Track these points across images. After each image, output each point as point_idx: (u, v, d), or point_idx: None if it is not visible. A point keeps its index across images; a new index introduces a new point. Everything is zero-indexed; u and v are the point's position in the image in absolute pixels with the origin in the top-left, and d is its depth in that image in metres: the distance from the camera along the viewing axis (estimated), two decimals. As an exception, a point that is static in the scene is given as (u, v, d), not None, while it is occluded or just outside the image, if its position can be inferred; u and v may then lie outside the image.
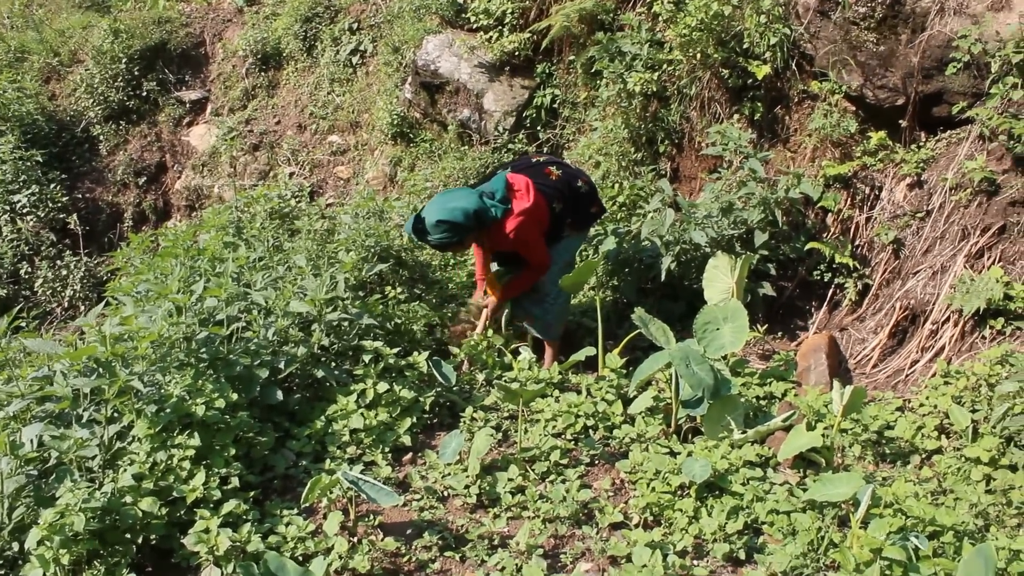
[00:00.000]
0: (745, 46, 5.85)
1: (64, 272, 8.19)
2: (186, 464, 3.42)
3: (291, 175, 8.33)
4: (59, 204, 8.47)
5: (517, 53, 7.11)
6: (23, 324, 7.30)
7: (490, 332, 4.92)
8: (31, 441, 3.32)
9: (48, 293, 8.13)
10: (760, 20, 5.70)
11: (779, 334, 5.58)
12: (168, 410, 3.50)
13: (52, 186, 8.53)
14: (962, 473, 3.85)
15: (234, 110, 9.08)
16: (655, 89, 6.22)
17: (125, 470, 3.29)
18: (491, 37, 7.20)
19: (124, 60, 9.17)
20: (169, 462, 3.40)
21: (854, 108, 5.71)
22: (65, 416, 3.56)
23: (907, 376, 4.90)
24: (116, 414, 3.55)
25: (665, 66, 6.22)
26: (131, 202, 9.00)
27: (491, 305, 4.91)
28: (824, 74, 5.68)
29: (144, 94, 9.27)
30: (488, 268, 5.02)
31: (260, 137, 8.74)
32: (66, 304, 8.12)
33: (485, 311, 4.92)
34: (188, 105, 9.33)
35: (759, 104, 6.02)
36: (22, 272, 8.20)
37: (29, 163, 8.41)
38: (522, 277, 4.81)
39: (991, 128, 4.97)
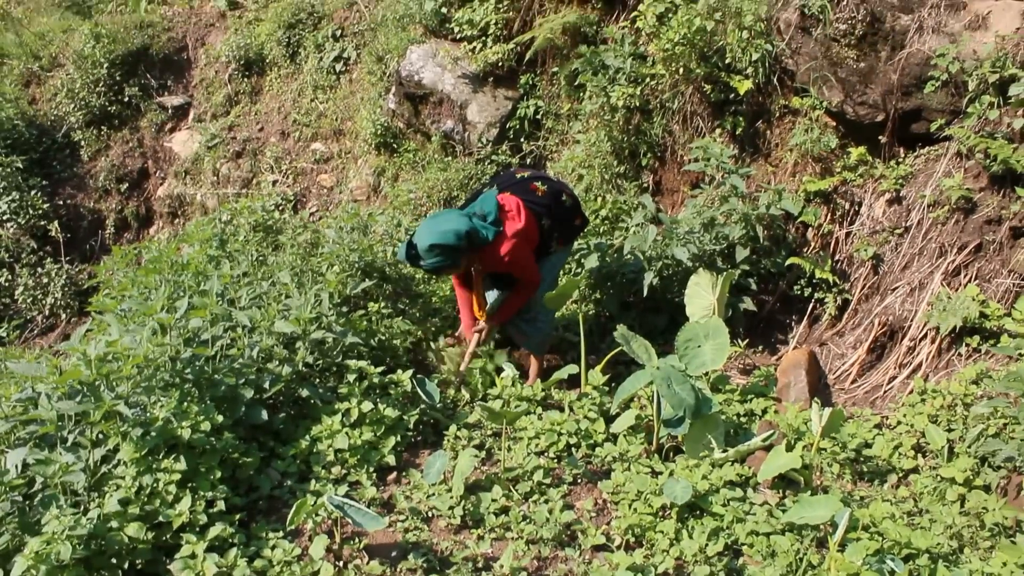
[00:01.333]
0: (727, 61, 5.90)
1: (45, 280, 8.16)
2: (172, 488, 3.42)
3: (274, 183, 8.32)
4: (40, 211, 8.44)
5: (501, 64, 7.12)
6: (3, 335, 7.28)
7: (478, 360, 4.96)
8: (16, 467, 3.32)
9: (29, 301, 8.11)
10: (742, 35, 5.75)
11: (760, 348, 5.64)
12: (154, 433, 3.50)
13: (33, 192, 8.50)
14: (937, 493, 3.93)
15: (217, 116, 9.04)
16: (638, 103, 6.26)
17: (111, 495, 3.29)
18: (475, 48, 7.21)
19: (106, 65, 9.12)
20: (155, 486, 3.40)
21: (834, 124, 5.78)
22: (49, 438, 3.54)
23: (885, 392, 4.97)
24: (102, 436, 3.55)
25: (648, 80, 6.26)
26: (113, 209, 8.97)
27: (486, 331, 4.93)
28: (805, 90, 5.74)
29: (126, 99, 9.22)
30: (481, 297, 5.01)
31: (243, 144, 8.71)
32: (47, 312, 8.10)
33: (476, 336, 4.94)
34: (170, 111, 9.28)
35: (741, 119, 6.08)
36: (2, 280, 8.17)
37: (9, 169, 8.38)
38: (514, 297, 4.84)
39: (968, 146, 5.05)
